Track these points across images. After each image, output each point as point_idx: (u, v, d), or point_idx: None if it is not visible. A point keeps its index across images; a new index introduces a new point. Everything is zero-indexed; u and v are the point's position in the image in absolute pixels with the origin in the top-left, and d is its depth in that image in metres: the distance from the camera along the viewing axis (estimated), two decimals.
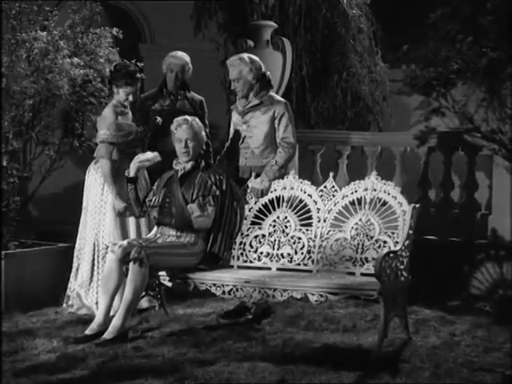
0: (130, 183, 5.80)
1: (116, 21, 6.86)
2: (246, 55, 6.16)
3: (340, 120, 9.26)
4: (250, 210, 5.90)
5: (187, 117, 5.80)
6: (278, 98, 6.21)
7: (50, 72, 6.28)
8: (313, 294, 5.15)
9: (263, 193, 5.90)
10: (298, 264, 5.65)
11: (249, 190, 5.92)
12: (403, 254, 5.23)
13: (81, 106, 6.53)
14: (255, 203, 5.92)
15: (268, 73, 6.14)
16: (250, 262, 5.79)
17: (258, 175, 5.98)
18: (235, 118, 6.23)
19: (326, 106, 9.19)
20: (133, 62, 6.31)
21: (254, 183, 5.93)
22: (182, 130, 5.72)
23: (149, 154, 5.82)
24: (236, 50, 8.21)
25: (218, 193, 5.69)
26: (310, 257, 5.63)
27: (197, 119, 5.83)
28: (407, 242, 5.26)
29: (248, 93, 6.09)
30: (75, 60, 6.32)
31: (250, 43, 7.95)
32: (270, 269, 5.70)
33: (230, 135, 6.31)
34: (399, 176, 7.64)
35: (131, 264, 5.39)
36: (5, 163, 6.28)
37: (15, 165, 6.43)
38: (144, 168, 5.90)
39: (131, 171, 5.80)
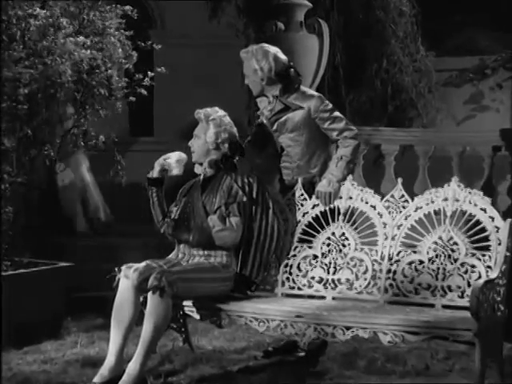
0: (152, 186, 4.94)
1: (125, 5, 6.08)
2: (254, 49, 5.05)
3: (377, 116, 8.45)
4: (296, 225, 4.94)
5: (200, 111, 4.92)
6: (309, 92, 5.16)
7: (49, 54, 5.50)
8: (385, 334, 4.19)
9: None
10: (360, 292, 4.72)
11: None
12: (500, 282, 4.29)
13: (87, 96, 5.76)
14: (303, 216, 4.93)
15: (292, 69, 5.05)
16: (299, 288, 4.87)
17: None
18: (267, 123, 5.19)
19: (363, 99, 8.53)
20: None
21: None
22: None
23: (175, 153, 4.99)
24: (261, 35, 7.43)
25: (245, 199, 4.76)
26: (376, 283, 4.69)
27: (218, 113, 4.88)
28: (504, 267, 4.31)
29: (261, 92, 5.10)
30: (80, 39, 5.52)
31: (281, 26, 7.18)
32: (324, 298, 4.79)
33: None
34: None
35: (150, 294, 4.45)
36: None
37: (7, 168, 5.69)
38: (170, 168, 4.98)
39: (155, 171, 4.94)
